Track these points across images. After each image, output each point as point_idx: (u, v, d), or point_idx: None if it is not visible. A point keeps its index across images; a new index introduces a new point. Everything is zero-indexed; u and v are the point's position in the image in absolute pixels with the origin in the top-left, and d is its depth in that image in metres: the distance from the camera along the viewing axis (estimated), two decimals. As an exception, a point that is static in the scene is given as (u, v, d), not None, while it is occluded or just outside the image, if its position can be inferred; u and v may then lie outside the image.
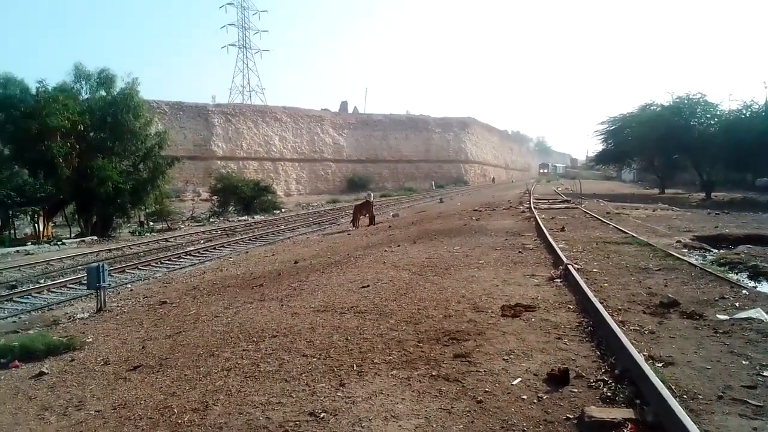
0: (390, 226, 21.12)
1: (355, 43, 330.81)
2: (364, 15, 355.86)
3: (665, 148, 39.85)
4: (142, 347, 6.75)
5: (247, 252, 19.38)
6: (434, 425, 3.76)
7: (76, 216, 28.90)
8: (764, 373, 4.38)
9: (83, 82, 28.17)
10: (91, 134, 27.96)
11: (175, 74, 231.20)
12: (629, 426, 3.57)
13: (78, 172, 26.88)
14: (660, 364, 4.59)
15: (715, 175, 38.35)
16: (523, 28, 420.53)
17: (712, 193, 34.99)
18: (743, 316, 5.96)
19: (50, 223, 27.79)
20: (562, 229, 14.59)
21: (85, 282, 11.51)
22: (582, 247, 11.50)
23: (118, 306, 10.85)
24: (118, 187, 26.66)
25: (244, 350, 5.82)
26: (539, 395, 4.16)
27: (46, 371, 6.13)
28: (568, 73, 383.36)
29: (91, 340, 7.66)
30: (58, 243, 23.29)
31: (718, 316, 6.09)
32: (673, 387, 4.04)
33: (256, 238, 24.28)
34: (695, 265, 9.05)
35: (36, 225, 26.44)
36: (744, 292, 7.19)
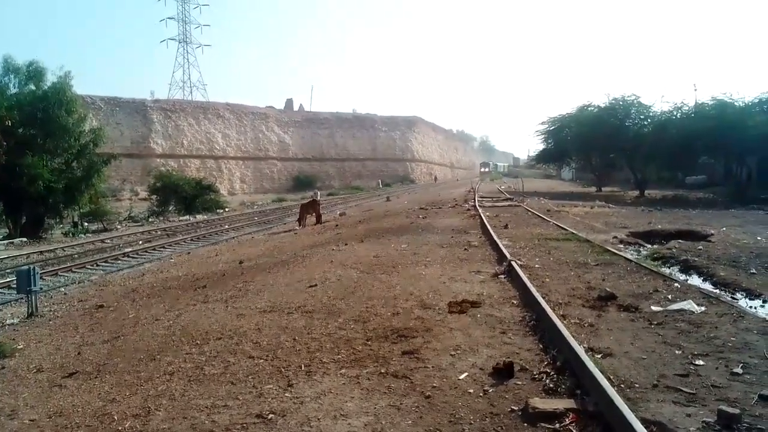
0: (337, 225, 21.04)
1: (301, 40, 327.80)
2: (310, 12, 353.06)
3: (602, 148, 41.41)
4: (78, 353, 6.46)
5: (189, 253, 18.84)
6: (383, 422, 3.77)
7: (3, 216, 27.31)
8: (696, 362, 4.61)
9: (11, 76, 26.53)
10: (20, 130, 26.38)
11: (111, 69, 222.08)
12: (571, 415, 3.69)
13: (6, 170, 25.36)
14: (599, 356, 4.76)
15: (649, 173, 40.10)
16: (468, 30, 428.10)
17: (646, 191, 36.58)
18: (676, 308, 6.27)
19: (-25, 225, 26.18)
20: (506, 227, 14.94)
21: (15, 286, 10.89)
22: (525, 243, 11.81)
23: (51, 311, 10.32)
24: (50, 186, 25.32)
25: (187, 353, 5.65)
26: (485, 389, 4.24)
27: (-26, 380, 5.77)
28: (512, 73, 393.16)
29: (22, 346, 7.27)
30: (-17, 245, 21.96)
31: (652, 308, 6.38)
32: (611, 377, 4.19)
33: (198, 238, 23.65)
34: (630, 260, 9.45)
35: (-42, 226, 24.85)
36: (676, 285, 7.56)
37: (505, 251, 9.95)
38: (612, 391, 3.64)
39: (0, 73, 26.19)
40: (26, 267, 10.68)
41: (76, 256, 19.29)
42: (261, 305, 7.51)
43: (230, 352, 5.54)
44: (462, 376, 4.50)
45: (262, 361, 5.17)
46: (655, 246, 12.59)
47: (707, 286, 8.21)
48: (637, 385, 4.16)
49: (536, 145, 57.24)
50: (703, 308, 6.22)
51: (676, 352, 4.89)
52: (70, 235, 26.38)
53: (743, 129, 30.25)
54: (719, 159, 38.22)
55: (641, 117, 40.77)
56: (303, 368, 4.88)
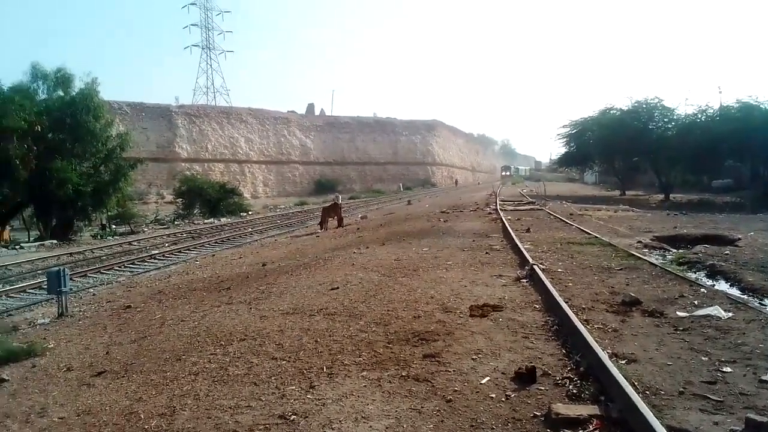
0: (358, 228, 21.11)
1: (322, 45, 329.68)
2: (331, 17, 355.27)
3: (625, 151, 40.93)
4: (107, 352, 6.59)
5: (214, 255, 19.09)
6: (404, 425, 3.79)
7: (35, 219, 28.01)
8: (723, 369, 4.54)
9: (40, 82, 27.26)
10: (50, 135, 27.06)
11: (136, 75, 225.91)
12: (594, 422, 3.65)
13: (36, 174, 26.01)
14: (623, 362, 4.71)
15: (673, 177, 39.51)
16: (489, 33, 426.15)
17: (671, 195, 36.03)
18: (702, 314, 6.17)
19: (7, 227, 26.86)
20: (528, 230, 14.84)
21: (46, 287, 11.16)
22: (547, 247, 11.72)
23: (80, 311, 10.55)
24: (79, 190, 25.91)
25: (211, 354, 5.74)
26: (507, 393, 4.23)
27: (6, 378, 5.93)
28: (533, 76, 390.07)
29: (52, 346, 7.44)
30: (16, 247, 22.54)
31: (678, 313, 6.29)
32: (636, 383, 4.15)
33: (222, 240, 23.95)
34: (656, 265, 9.32)
35: (-8, 229, 25.51)
36: (702, 290, 7.43)
37: (527, 255, 9.89)
38: (637, 398, 3.60)
39: (29, 79, 26.88)
40: (56, 268, 10.94)
41: (104, 257, 19.70)
42: (283, 307, 7.58)
43: (253, 353, 5.61)
44: (484, 381, 4.49)
45: (284, 362, 5.23)
46: (681, 250, 12.38)
47: (734, 292, 8.04)
48: (662, 392, 4.11)
49: (558, 149, 56.56)
50: (730, 314, 6.11)
51: (703, 358, 4.82)
52: (99, 237, 26.97)
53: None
54: (746, 162, 37.47)
55: (665, 120, 40.21)
56: (325, 370, 4.93)
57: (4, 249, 22.08)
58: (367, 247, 13.66)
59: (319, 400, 4.29)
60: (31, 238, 26.24)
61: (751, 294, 7.89)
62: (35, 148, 26.49)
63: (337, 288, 8.52)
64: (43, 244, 23.76)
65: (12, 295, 13.64)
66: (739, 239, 13.33)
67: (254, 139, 66.64)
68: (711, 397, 3.99)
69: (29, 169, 25.84)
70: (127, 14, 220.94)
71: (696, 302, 6.74)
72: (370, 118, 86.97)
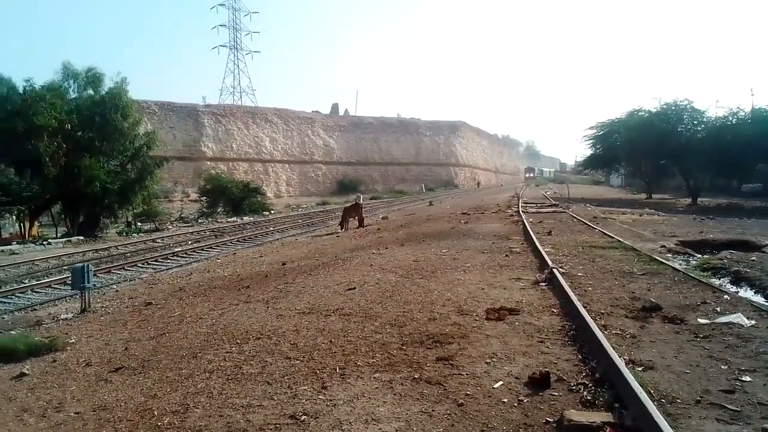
0: (379, 229, 21.14)
1: (347, 45, 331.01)
2: (356, 18, 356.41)
3: (653, 154, 40.15)
4: (125, 348, 6.70)
5: (235, 253, 19.29)
6: (414, 428, 3.77)
7: (63, 216, 28.67)
8: (743, 378, 4.43)
9: (71, 81, 27.98)
10: (79, 133, 27.76)
11: (165, 74, 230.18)
12: (608, 430, 3.59)
13: (65, 171, 26.68)
14: (640, 368, 4.62)
15: (702, 180, 38.69)
16: (514, 33, 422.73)
17: (699, 199, 35.30)
18: (724, 321, 6.03)
19: (36, 223, 27.55)
20: (549, 233, 14.68)
21: (70, 282, 11.41)
22: (568, 251, 11.58)
23: (102, 307, 10.76)
24: (106, 187, 26.48)
25: (227, 352, 5.79)
26: (520, 398, 4.18)
27: (27, 372, 6.07)
28: (559, 77, 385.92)
29: (73, 341, 7.59)
30: (44, 243, 23.10)
31: (699, 320, 6.15)
32: (651, 391, 4.08)
33: (244, 239, 24.20)
34: (679, 270, 9.13)
35: (21, 224, 26.18)
36: (726, 297, 7.26)
37: (547, 258, 9.77)
38: (651, 406, 3.52)
39: (60, 78, 27.53)
40: (80, 264, 11.18)
41: (128, 254, 20.06)
42: (300, 307, 7.62)
43: (268, 352, 5.65)
44: (497, 385, 4.45)
45: (298, 362, 5.25)
46: (706, 256, 12.11)
47: (759, 299, 7.85)
48: (678, 401, 4.02)
49: (584, 151, 55.72)
50: (753, 322, 5.95)
51: (722, 366, 4.70)
52: (124, 234, 27.49)
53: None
54: (777, 166, 36.53)
55: (694, 122, 39.37)
56: (338, 371, 4.93)
57: (32, 244, 22.64)
58: (387, 248, 13.66)
59: (330, 400, 4.30)
60: (59, 234, 26.85)
61: (776, 302, 7.68)
62: (65, 145, 27.16)
63: (354, 288, 8.53)
64: (69, 240, 24.30)
65: (37, 290, 13.98)
66: (767, 245, 13.00)
67: (279, 138, 67.20)
68: (728, 406, 3.89)
69: (58, 167, 26.50)
70: (156, 15, 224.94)
71: (718, 309, 6.58)
72: (394, 118, 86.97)
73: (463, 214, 23.36)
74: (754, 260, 10.76)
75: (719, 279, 9.41)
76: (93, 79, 27.94)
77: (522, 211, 22.08)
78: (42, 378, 5.85)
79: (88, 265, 10.96)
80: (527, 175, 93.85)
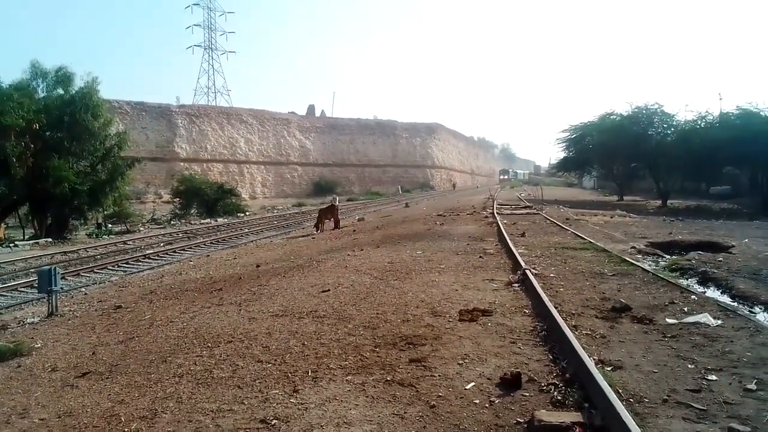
0: (355, 230, 21.08)
1: (324, 46, 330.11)
2: (333, 19, 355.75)
3: (624, 157, 40.90)
4: (93, 353, 6.55)
5: (209, 255, 19.03)
6: (386, 431, 3.76)
7: (30, 217, 27.96)
8: (709, 377, 4.51)
9: (40, 80, 27.31)
10: (48, 134, 27.10)
11: (138, 74, 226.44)
12: (577, 429, 3.62)
13: (33, 172, 26.01)
14: (609, 368, 4.69)
15: (672, 183, 39.50)
16: (491, 37, 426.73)
17: (668, 201, 36.01)
18: (691, 321, 6.15)
19: (2, 225, 26.80)
20: (523, 235, 14.82)
21: (37, 285, 11.11)
22: (541, 252, 11.70)
23: (70, 310, 10.49)
24: (75, 188, 25.87)
25: (197, 356, 5.70)
26: (491, 399, 4.20)
27: (-9, 378, 5.89)
28: (534, 81, 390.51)
29: (39, 345, 7.38)
30: (10, 245, 22.48)
31: (667, 320, 6.26)
32: (620, 391, 4.13)
33: (218, 241, 23.91)
34: (648, 271, 9.30)
35: (-13, 226, 25.47)
36: (693, 297, 7.40)
37: (520, 259, 9.86)
38: (620, 405, 3.57)
39: (28, 77, 26.87)
40: (47, 267, 10.89)
41: (98, 257, 19.65)
42: (273, 309, 7.55)
43: (239, 355, 5.58)
44: (468, 386, 4.46)
45: (270, 365, 5.20)
46: (674, 257, 12.36)
47: (725, 299, 8.03)
48: (646, 400, 4.08)
49: (557, 153, 56.50)
50: (719, 321, 6.08)
51: (689, 366, 4.79)
52: (94, 236, 26.90)
53: (770, 139, 29.62)
54: (744, 169, 37.47)
55: (664, 126, 40.20)
56: (310, 374, 4.89)
57: (-2, 247, 22.01)
58: (362, 250, 13.64)
59: (301, 404, 4.26)
60: (26, 236, 26.18)
61: (741, 301, 7.88)
62: (33, 145, 26.51)
63: (329, 290, 8.49)
64: (37, 243, 23.70)
65: (3, 293, 13.59)
66: (734, 246, 13.32)
67: (254, 139, 66.56)
68: (695, 405, 3.96)
69: (26, 167, 25.86)
70: (130, 14, 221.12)
71: (686, 309, 6.71)
72: (371, 120, 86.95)
73: (438, 215, 23.45)
74: (720, 261, 11.01)
75: (687, 279, 9.61)
76: (63, 78, 27.32)
77: (497, 213, 22.26)
78: (6, 383, 5.67)
79: (55, 267, 10.68)
80: (502, 177, 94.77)
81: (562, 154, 50.84)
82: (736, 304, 7.68)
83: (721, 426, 3.64)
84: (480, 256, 11.27)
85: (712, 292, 8.63)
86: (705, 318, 6.15)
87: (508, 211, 24.55)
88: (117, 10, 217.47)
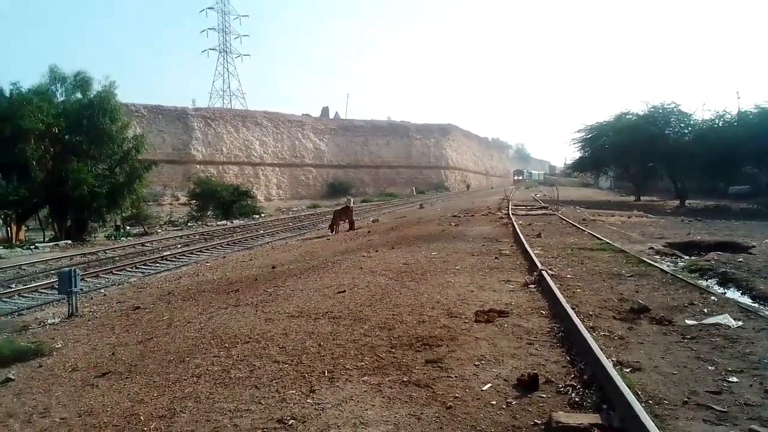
0: (369, 232, 21.12)
1: (337, 49, 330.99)
2: (346, 21, 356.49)
3: (641, 156, 40.40)
4: (112, 353, 6.64)
5: (225, 257, 19.20)
6: (403, 431, 3.76)
7: (50, 220, 28.41)
8: (729, 379, 4.45)
9: (59, 85, 27.80)
10: (67, 137, 27.55)
11: (154, 78, 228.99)
12: (595, 431, 3.60)
13: (52, 175, 26.45)
14: (628, 370, 4.64)
15: (689, 183, 38.96)
16: (505, 37, 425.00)
17: (686, 201, 35.55)
18: (711, 322, 6.07)
19: (23, 227, 27.26)
20: (539, 236, 14.73)
21: (57, 287, 11.29)
22: (557, 253, 11.62)
23: (90, 311, 10.65)
24: (94, 191, 26.24)
25: (215, 356, 5.75)
26: (508, 401, 4.18)
27: (13, 377, 5.99)
28: (549, 80, 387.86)
29: (60, 345, 7.50)
30: (31, 247, 22.86)
31: (686, 321, 6.19)
32: (639, 392, 4.09)
33: (234, 242, 24.10)
34: (666, 272, 9.18)
35: (8, 229, 25.92)
36: (713, 298, 7.30)
37: (536, 260, 9.80)
38: (639, 407, 3.54)
39: (47, 81, 27.31)
40: (67, 269, 11.06)
41: (117, 258, 19.91)
42: (289, 310, 7.59)
43: (256, 356, 5.61)
44: (485, 387, 4.44)
45: (286, 365, 5.23)
46: (693, 257, 12.20)
47: (746, 300, 7.89)
48: (665, 402, 4.04)
49: (573, 154, 56.12)
50: (740, 323, 5.99)
51: (709, 367, 4.73)
52: (113, 238, 27.27)
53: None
54: (763, 168, 36.84)
55: (681, 125, 39.64)
56: (326, 374, 4.91)
57: (19, 249, 22.40)
58: (377, 251, 13.65)
59: (318, 404, 4.27)
60: (46, 239, 26.61)
61: (762, 302, 7.74)
62: (52, 149, 26.97)
63: (344, 291, 8.51)
64: (57, 245, 24.08)
65: (24, 294, 13.84)
66: (754, 246, 13.11)
67: (269, 141, 67.02)
68: (715, 407, 3.91)
69: (46, 171, 26.29)
70: (146, 18, 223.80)
71: (706, 310, 6.62)
72: (384, 121, 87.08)
73: (453, 216, 23.40)
74: (741, 261, 10.84)
75: (706, 280, 9.47)
76: (81, 82, 27.76)
77: (512, 214, 22.14)
78: (28, 383, 5.77)
79: (75, 269, 10.85)
80: (516, 178, 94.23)
81: (577, 155, 50.34)
82: (756, 305, 7.55)
83: (741, 428, 3.59)
84: (495, 257, 11.22)
85: (732, 293, 8.49)
86: (725, 319, 6.07)
87: (524, 212, 24.41)
88: (132, 15, 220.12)
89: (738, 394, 4.14)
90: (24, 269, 17.42)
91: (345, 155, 75.60)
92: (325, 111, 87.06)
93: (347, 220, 23.89)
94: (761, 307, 7.44)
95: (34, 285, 14.79)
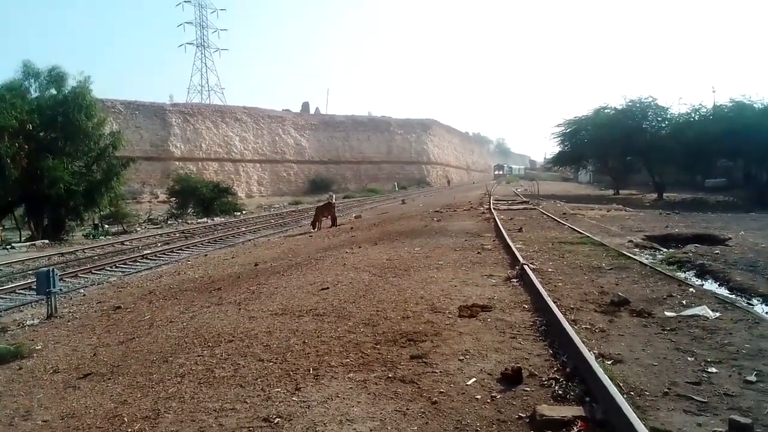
0: (352, 228, 21.09)
1: (318, 44, 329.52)
2: (326, 16, 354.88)
3: (619, 150, 41.02)
4: (94, 354, 6.55)
5: (206, 255, 19.03)
6: (389, 427, 3.77)
7: (26, 219, 27.85)
8: (709, 370, 4.54)
9: (32, 80, 27.15)
10: (41, 134, 26.95)
11: (130, 73, 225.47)
12: (579, 423, 3.64)
13: (27, 173, 25.87)
14: (609, 362, 4.71)
15: (667, 176, 39.61)
16: (485, 31, 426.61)
17: (664, 194, 36.15)
18: (690, 314, 6.18)
19: (-1, 227, 26.71)
20: (520, 230, 14.85)
21: (35, 287, 11.09)
22: (538, 247, 11.74)
23: (69, 312, 10.49)
24: (70, 189, 25.76)
25: (198, 356, 5.71)
26: (493, 395, 4.21)
27: (-8, 380, 5.89)
28: (529, 75, 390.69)
29: (40, 347, 7.39)
30: (7, 247, 22.40)
31: (666, 313, 6.30)
32: (621, 384, 4.15)
33: (215, 240, 23.89)
34: (646, 264, 9.34)
35: (-17, 228, 25.36)
36: (691, 290, 7.44)
37: (518, 255, 9.89)
38: (620, 399, 3.59)
39: (20, 77, 26.71)
40: (45, 269, 10.87)
41: (95, 257, 19.61)
42: (273, 308, 7.55)
43: (241, 354, 5.58)
44: (470, 382, 4.48)
45: (271, 364, 5.21)
46: (672, 250, 12.42)
47: (723, 291, 8.08)
48: (647, 393, 4.11)
49: (553, 148, 56.53)
50: (717, 314, 6.12)
51: (689, 358, 4.82)
52: (91, 237, 26.84)
53: (763, 131, 29.75)
54: (738, 161, 37.62)
55: (658, 119, 40.36)
56: (311, 372, 4.91)
57: (-5, 249, 21.93)
58: (360, 247, 13.65)
59: (304, 402, 4.27)
60: (23, 238, 26.09)
61: (739, 294, 7.93)
62: (26, 146, 26.33)
63: (327, 288, 8.50)
64: (34, 244, 23.63)
65: (1, 295, 13.56)
66: (730, 239, 13.40)
67: (249, 137, 66.44)
68: (695, 398, 3.99)
69: (20, 168, 25.69)
70: (121, 12, 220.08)
71: (684, 302, 6.75)
72: (365, 116, 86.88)
73: (435, 212, 23.47)
74: (717, 253, 11.07)
75: (685, 272, 9.66)
76: (55, 78, 27.18)
77: (493, 209, 22.28)
78: (8, 386, 5.68)
79: (53, 269, 10.67)
80: (497, 173, 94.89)
81: (557, 149, 51.01)
82: (734, 296, 7.74)
83: (722, 418, 3.66)
84: (478, 252, 11.29)
85: (710, 285, 8.68)
86: (703, 311, 6.19)
87: (505, 207, 24.58)
88: (107, 8, 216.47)
89: (717, 385, 4.23)
90: (0, 270, 17.07)
91: (326, 151, 75.32)
92: (305, 106, 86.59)
93: (330, 217, 23.83)
94: (738, 298, 7.63)
95: (11, 286, 14.50)
